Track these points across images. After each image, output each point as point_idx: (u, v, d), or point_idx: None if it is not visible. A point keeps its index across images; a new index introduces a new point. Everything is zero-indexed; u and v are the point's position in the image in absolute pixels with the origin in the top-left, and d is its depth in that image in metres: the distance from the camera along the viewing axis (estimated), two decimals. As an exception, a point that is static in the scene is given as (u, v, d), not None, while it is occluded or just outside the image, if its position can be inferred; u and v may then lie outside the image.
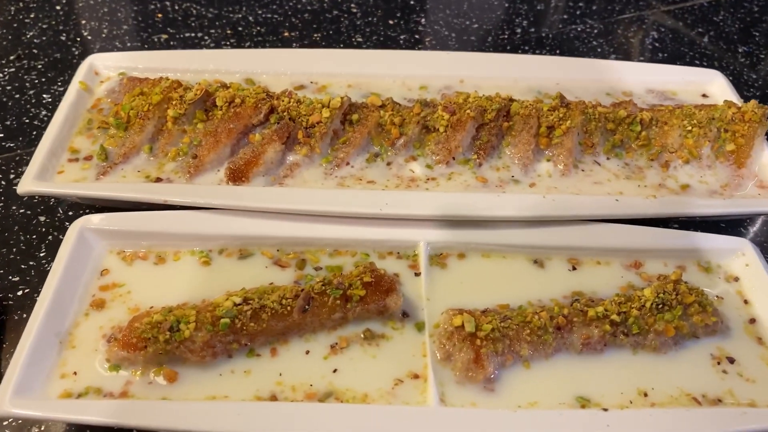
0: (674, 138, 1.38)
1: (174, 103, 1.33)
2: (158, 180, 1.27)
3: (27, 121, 1.53)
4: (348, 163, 1.33)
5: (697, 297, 1.11)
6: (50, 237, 1.28)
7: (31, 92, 1.61)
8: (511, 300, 1.15)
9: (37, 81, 1.64)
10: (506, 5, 2.01)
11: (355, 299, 1.08)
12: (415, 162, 1.34)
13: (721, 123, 1.38)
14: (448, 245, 1.21)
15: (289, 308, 1.06)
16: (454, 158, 1.34)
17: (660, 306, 1.10)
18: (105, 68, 1.49)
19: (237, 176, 1.27)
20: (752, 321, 1.15)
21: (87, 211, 1.31)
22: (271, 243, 1.20)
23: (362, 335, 1.08)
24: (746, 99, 1.66)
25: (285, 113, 1.34)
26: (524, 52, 1.82)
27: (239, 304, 1.04)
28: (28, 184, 1.21)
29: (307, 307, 1.06)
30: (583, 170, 1.35)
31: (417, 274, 1.17)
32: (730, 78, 1.66)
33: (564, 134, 1.36)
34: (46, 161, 1.25)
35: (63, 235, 1.15)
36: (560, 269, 1.21)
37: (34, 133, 1.50)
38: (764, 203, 1.29)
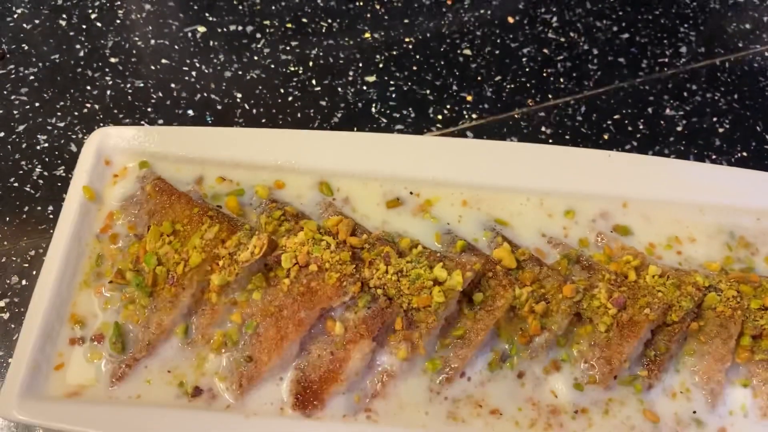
0: None
1: (222, 263, 0.91)
2: (196, 392, 0.89)
3: None
4: (463, 374, 0.93)
5: None
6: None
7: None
8: None
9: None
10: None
11: None
12: (558, 374, 0.94)
13: None
14: None
15: None
16: (615, 377, 0.94)
17: None
18: (117, 151, 1.04)
19: (308, 399, 0.88)
20: None
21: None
22: None
23: None
24: None
25: (380, 290, 0.92)
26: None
27: None
28: (10, 405, 0.84)
29: None
30: (792, 405, 0.95)
31: None
32: None
33: (776, 349, 0.94)
34: (36, 354, 0.87)
35: None
36: None
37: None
38: None
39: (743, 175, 1.10)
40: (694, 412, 0.93)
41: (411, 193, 1.06)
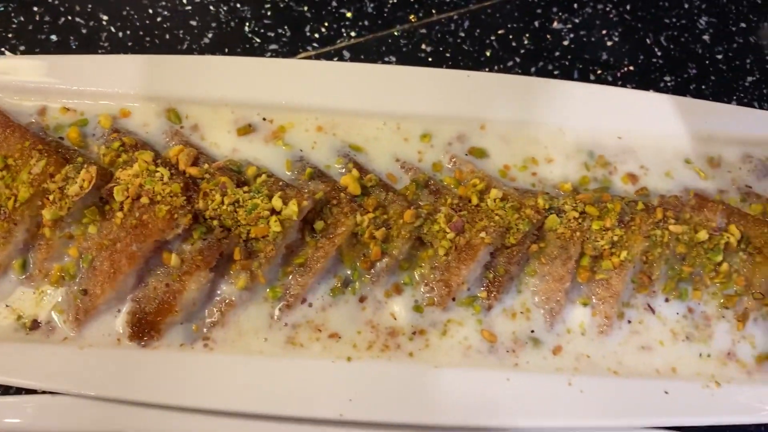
0: (765, 276, 0.98)
1: (52, 197, 0.90)
2: (34, 325, 0.90)
3: None
4: (304, 300, 0.94)
5: None
6: None
7: None
8: None
9: None
10: None
11: None
12: (399, 297, 0.96)
13: (839, 256, 0.98)
14: (430, 454, 0.90)
15: None
16: (454, 299, 0.95)
17: None
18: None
19: (143, 330, 0.90)
20: None
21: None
22: (190, 442, 0.88)
23: None
24: None
25: (215, 221, 0.91)
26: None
27: None
28: None
29: None
30: (629, 321, 0.98)
31: (384, 498, 0.89)
32: None
33: (614, 269, 0.96)
34: None
35: None
36: (573, 492, 0.92)
37: None
38: None
39: (606, 93, 1.09)
40: (532, 331, 0.96)
41: (264, 119, 1.04)
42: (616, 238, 0.95)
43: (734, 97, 1.30)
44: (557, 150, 1.06)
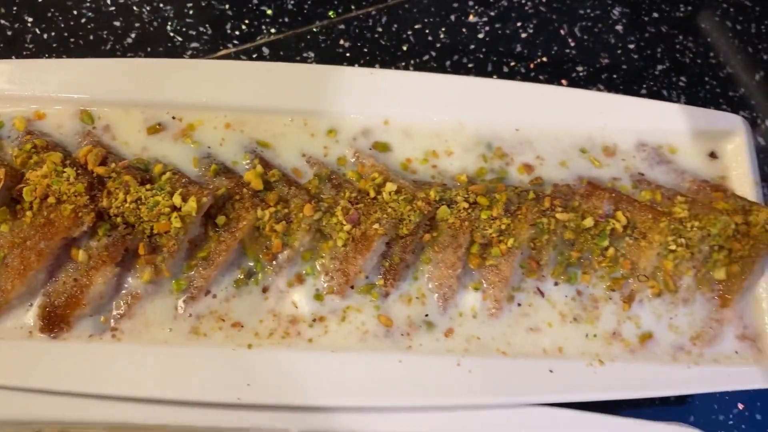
0: (650, 259, 1.04)
1: (-40, 199, 0.95)
2: (-53, 322, 0.95)
3: None
4: (208, 292, 1.00)
5: None
6: None
7: None
8: None
9: None
10: None
11: None
12: (301, 287, 1.01)
13: (717, 240, 1.03)
14: (325, 433, 0.96)
15: None
16: (352, 287, 1.01)
17: None
18: None
19: (54, 323, 0.95)
20: None
21: None
22: (100, 427, 0.94)
23: None
24: (760, 153, 1.25)
25: (119, 218, 0.96)
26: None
27: None
28: None
29: None
30: (519, 305, 1.03)
31: (283, 476, 0.95)
32: (750, 114, 1.24)
33: (503, 255, 1.01)
34: None
35: None
36: (462, 466, 0.98)
37: None
38: (736, 377, 1.01)
39: (503, 87, 1.14)
40: (426, 315, 1.02)
41: (173, 117, 1.08)
42: (503, 227, 1.01)
43: (644, 86, 1.36)
44: (457, 143, 1.11)
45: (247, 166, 1.06)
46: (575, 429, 0.97)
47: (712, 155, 1.15)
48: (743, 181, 1.12)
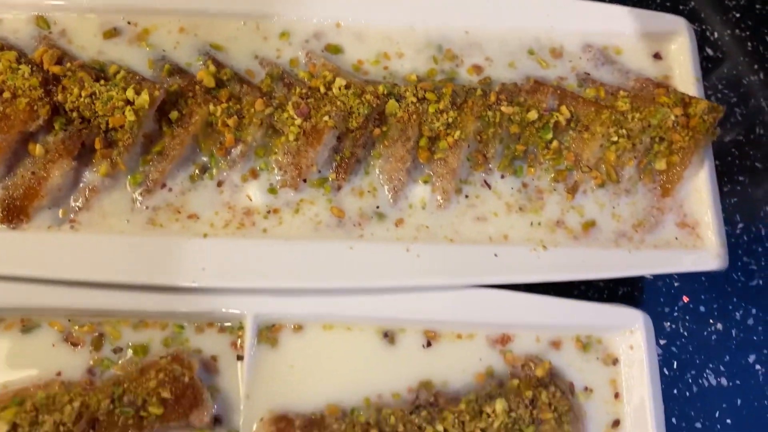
0: (593, 151, 1.08)
1: None
2: None
3: None
4: (164, 185, 1.03)
5: (557, 412, 0.97)
6: None
7: None
8: (347, 394, 0.99)
9: None
10: None
11: (151, 418, 0.91)
12: (255, 181, 1.04)
13: (658, 131, 1.07)
14: (282, 316, 1.00)
15: (68, 435, 0.89)
16: (305, 180, 1.04)
17: (510, 426, 0.95)
18: None
19: (13, 214, 0.98)
20: (615, 424, 1.02)
21: None
22: (61, 313, 0.97)
23: (160, 452, 0.94)
24: (709, 63, 1.29)
25: (74, 113, 0.99)
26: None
27: (7, 433, 0.88)
28: None
29: (91, 431, 0.90)
30: (467, 196, 1.07)
31: (240, 358, 0.99)
32: (700, 27, 1.28)
33: (450, 148, 1.05)
34: None
35: None
36: (413, 346, 1.02)
37: None
38: (675, 260, 1.06)
39: (452, -9, 1.16)
40: (378, 207, 1.05)
41: (129, 23, 1.10)
42: (450, 120, 1.04)
43: (596, -2, 1.38)
44: (408, 45, 1.14)
45: (200, 67, 1.08)
46: (520, 308, 1.01)
47: (657, 56, 1.18)
48: (686, 79, 1.15)
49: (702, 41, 1.35)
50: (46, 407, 0.90)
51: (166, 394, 0.91)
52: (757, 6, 1.43)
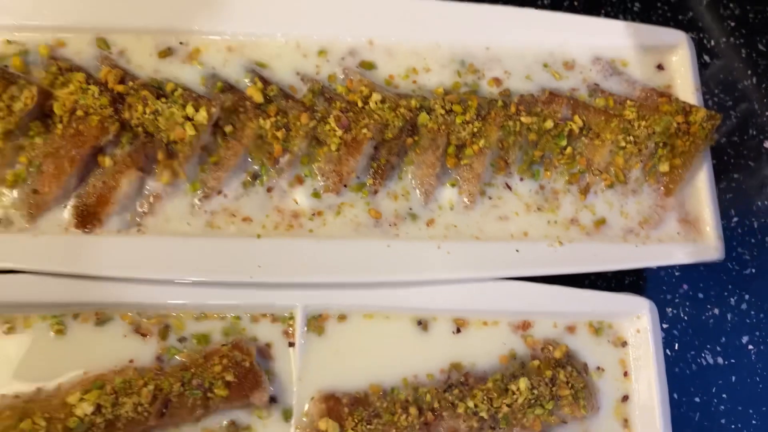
0: (603, 156, 1.20)
1: (1, 114, 1.08)
2: (-5, 221, 1.09)
3: None
4: (220, 192, 1.14)
5: (573, 389, 1.09)
6: None
7: None
8: (387, 375, 1.11)
9: None
10: None
11: (217, 399, 1.04)
12: (301, 187, 1.16)
13: (661, 137, 1.19)
14: (328, 306, 1.12)
15: (146, 414, 1.01)
16: (345, 186, 1.16)
17: (533, 401, 1.08)
18: None
19: (87, 220, 1.09)
20: (625, 399, 1.15)
21: None
22: (130, 307, 1.09)
23: (226, 429, 1.06)
24: (707, 68, 1.41)
25: (140, 128, 1.10)
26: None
27: (93, 414, 1.00)
28: None
29: (164, 410, 1.02)
30: (490, 198, 1.19)
31: (291, 344, 1.11)
32: (698, 35, 1.39)
33: (475, 155, 1.17)
34: None
35: None
36: (444, 332, 1.15)
37: None
38: (677, 253, 1.18)
39: (475, 10, 1.27)
40: (410, 208, 1.17)
41: (181, 43, 1.21)
42: (475, 130, 1.16)
43: (602, 11, 1.50)
44: (434, 60, 1.25)
45: (248, 84, 1.19)
46: (539, 297, 1.13)
47: (660, 67, 1.30)
48: (686, 89, 1.27)
49: (700, 48, 1.47)
50: (124, 390, 1.02)
51: (230, 378, 1.03)
52: (750, 15, 1.54)
